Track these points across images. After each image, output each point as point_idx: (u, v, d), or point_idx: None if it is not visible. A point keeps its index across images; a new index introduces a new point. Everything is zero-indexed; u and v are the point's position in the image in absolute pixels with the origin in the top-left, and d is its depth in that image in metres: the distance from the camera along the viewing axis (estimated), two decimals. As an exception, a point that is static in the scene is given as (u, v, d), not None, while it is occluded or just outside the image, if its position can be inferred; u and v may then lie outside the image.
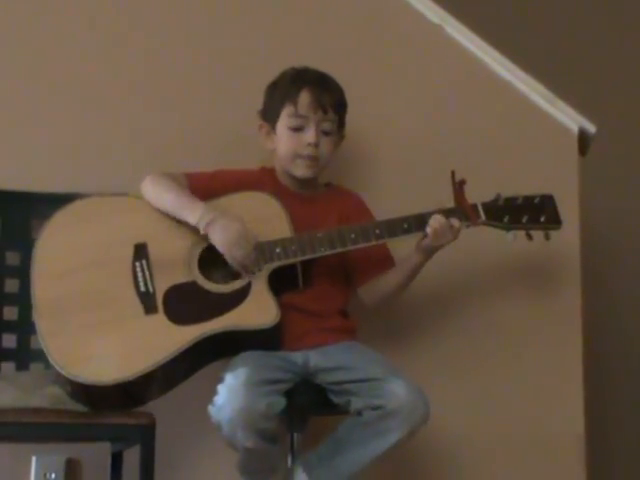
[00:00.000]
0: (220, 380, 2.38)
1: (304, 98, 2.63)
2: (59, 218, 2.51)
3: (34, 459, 2.75)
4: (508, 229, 2.64)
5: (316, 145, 2.63)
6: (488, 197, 2.65)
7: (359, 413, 2.44)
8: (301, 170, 2.66)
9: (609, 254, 4.03)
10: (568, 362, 2.96)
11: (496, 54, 3.07)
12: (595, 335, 3.20)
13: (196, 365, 2.45)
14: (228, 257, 2.47)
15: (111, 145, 2.88)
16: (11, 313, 2.68)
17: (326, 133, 2.65)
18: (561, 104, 3.06)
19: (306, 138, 2.63)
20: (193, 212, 2.49)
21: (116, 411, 2.38)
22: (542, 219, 2.65)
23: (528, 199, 2.66)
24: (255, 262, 2.48)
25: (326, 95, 2.63)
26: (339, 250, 2.55)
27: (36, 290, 2.45)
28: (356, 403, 2.44)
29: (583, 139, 3.08)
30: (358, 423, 2.44)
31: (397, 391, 2.40)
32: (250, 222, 2.50)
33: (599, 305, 3.64)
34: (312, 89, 2.63)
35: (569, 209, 2.84)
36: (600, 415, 3.43)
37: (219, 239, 2.47)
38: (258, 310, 2.44)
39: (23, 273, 2.60)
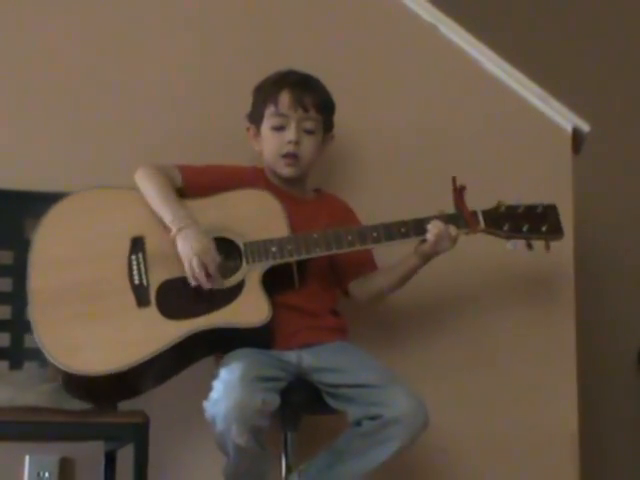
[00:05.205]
0: (215, 376, 2.37)
1: (284, 97, 2.64)
2: (59, 209, 2.52)
3: (27, 458, 2.74)
4: (508, 237, 2.59)
5: (296, 143, 2.63)
6: (482, 196, 2.62)
7: (358, 423, 2.43)
8: (284, 169, 2.66)
9: (603, 253, 4.03)
10: (562, 362, 2.96)
11: (490, 53, 3.07)
12: (589, 334, 3.21)
13: (188, 359, 2.45)
14: (185, 267, 2.44)
15: (105, 144, 2.88)
16: (5, 312, 2.67)
17: (308, 132, 2.66)
18: (555, 103, 3.06)
19: (287, 136, 2.64)
20: (167, 214, 2.49)
21: (109, 407, 2.39)
22: (543, 229, 2.59)
23: (530, 208, 2.61)
24: (212, 279, 2.44)
25: (307, 94, 2.65)
26: (334, 252, 2.54)
27: (32, 280, 2.45)
28: (354, 413, 2.43)
29: (577, 138, 3.08)
30: (357, 433, 2.43)
31: (397, 399, 2.39)
32: (248, 219, 2.52)
33: (592, 305, 3.64)
34: (292, 89, 2.65)
35: (563, 208, 2.82)
36: (594, 414, 3.44)
37: (181, 247, 2.46)
38: (249, 308, 2.44)
39: (16, 272, 2.61)
